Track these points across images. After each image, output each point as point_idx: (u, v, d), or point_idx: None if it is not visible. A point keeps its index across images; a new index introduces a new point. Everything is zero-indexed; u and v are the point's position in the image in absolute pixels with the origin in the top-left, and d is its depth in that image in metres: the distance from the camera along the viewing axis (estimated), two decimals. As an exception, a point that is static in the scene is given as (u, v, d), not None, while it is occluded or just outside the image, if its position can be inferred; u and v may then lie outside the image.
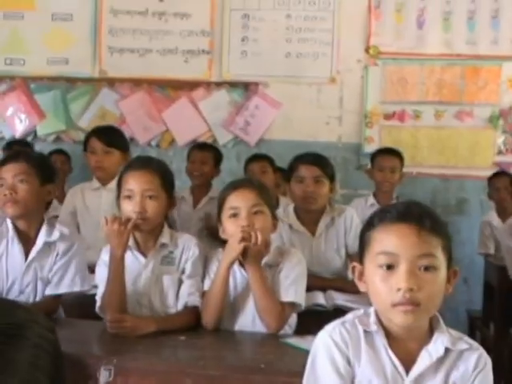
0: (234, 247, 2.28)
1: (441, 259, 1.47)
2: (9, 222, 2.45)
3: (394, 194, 4.18)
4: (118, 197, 2.43)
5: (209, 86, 4.92)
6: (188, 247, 2.44)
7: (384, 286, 1.46)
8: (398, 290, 1.43)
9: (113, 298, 2.30)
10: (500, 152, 4.78)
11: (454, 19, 4.79)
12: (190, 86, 4.93)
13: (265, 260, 2.37)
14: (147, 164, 2.46)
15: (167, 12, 4.97)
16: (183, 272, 2.42)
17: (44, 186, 2.49)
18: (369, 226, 1.53)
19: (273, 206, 2.44)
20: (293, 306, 2.37)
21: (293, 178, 3.13)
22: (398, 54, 4.80)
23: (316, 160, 3.11)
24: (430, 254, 1.45)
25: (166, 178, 2.45)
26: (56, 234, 2.46)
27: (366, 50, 4.83)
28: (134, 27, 4.97)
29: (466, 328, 4.42)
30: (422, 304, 1.44)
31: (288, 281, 2.36)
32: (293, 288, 2.36)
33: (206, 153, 4.19)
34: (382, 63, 4.82)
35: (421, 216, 1.47)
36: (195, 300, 2.38)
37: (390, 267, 1.46)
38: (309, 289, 2.61)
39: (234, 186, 2.38)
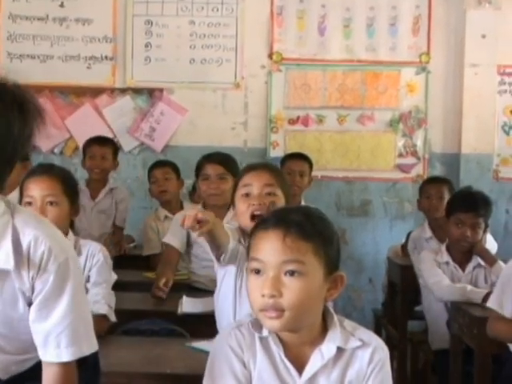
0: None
1: (311, 265, 1.47)
2: None
3: (301, 197, 4.24)
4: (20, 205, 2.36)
5: (113, 92, 4.86)
6: (92, 254, 2.40)
7: (254, 290, 1.48)
8: (263, 296, 1.45)
9: None
10: (401, 155, 4.94)
11: (354, 26, 4.92)
12: (94, 92, 4.85)
13: None
14: (48, 170, 2.41)
15: (68, 18, 4.88)
16: (88, 280, 2.38)
17: None
18: (250, 234, 1.56)
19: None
20: None
21: (200, 176, 3.29)
22: (300, 60, 4.89)
23: (220, 159, 3.27)
24: (295, 260, 1.46)
25: (67, 184, 2.39)
26: None
27: (270, 56, 4.89)
28: (34, 33, 4.84)
29: (372, 327, 4.53)
30: (286, 310, 1.45)
31: None
32: None
33: (106, 148, 4.18)
34: (285, 69, 4.89)
35: (289, 222, 1.48)
36: (101, 308, 2.34)
37: (258, 272, 1.48)
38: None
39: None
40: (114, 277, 2.52)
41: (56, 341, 1.49)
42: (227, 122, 4.86)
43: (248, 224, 2.26)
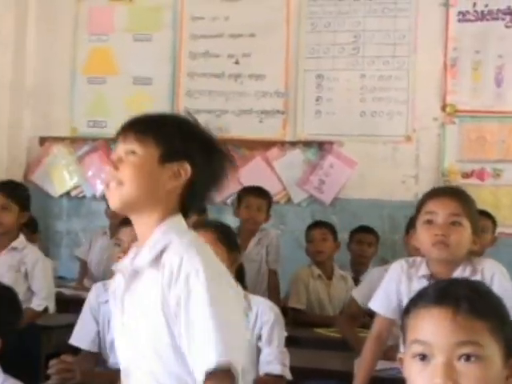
0: None
1: (489, 347, 1.20)
2: None
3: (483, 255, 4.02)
4: None
5: (283, 145, 4.95)
6: (263, 312, 2.39)
7: (420, 380, 1.21)
8: None
9: None
10: None
11: (533, 76, 4.70)
12: (265, 145, 4.97)
13: None
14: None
15: (243, 74, 5.06)
16: (259, 338, 2.37)
17: None
18: (405, 312, 1.31)
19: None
20: None
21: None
22: (475, 112, 4.72)
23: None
24: (470, 342, 1.19)
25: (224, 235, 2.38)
26: None
27: (443, 108, 4.77)
28: (210, 89, 5.08)
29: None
30: None
31: None
32: None
33: (262, 200, 4.15)
34: (459, 121, 4.74)
35: (458, 297, 1.24)
36: (275, 368, 2.33)
37: (424, 358, 1.22)
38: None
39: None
40: (285, 333, 2.50)
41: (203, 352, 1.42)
42: (397, 175, 4.77)
43: (430, 251, 2.23)
